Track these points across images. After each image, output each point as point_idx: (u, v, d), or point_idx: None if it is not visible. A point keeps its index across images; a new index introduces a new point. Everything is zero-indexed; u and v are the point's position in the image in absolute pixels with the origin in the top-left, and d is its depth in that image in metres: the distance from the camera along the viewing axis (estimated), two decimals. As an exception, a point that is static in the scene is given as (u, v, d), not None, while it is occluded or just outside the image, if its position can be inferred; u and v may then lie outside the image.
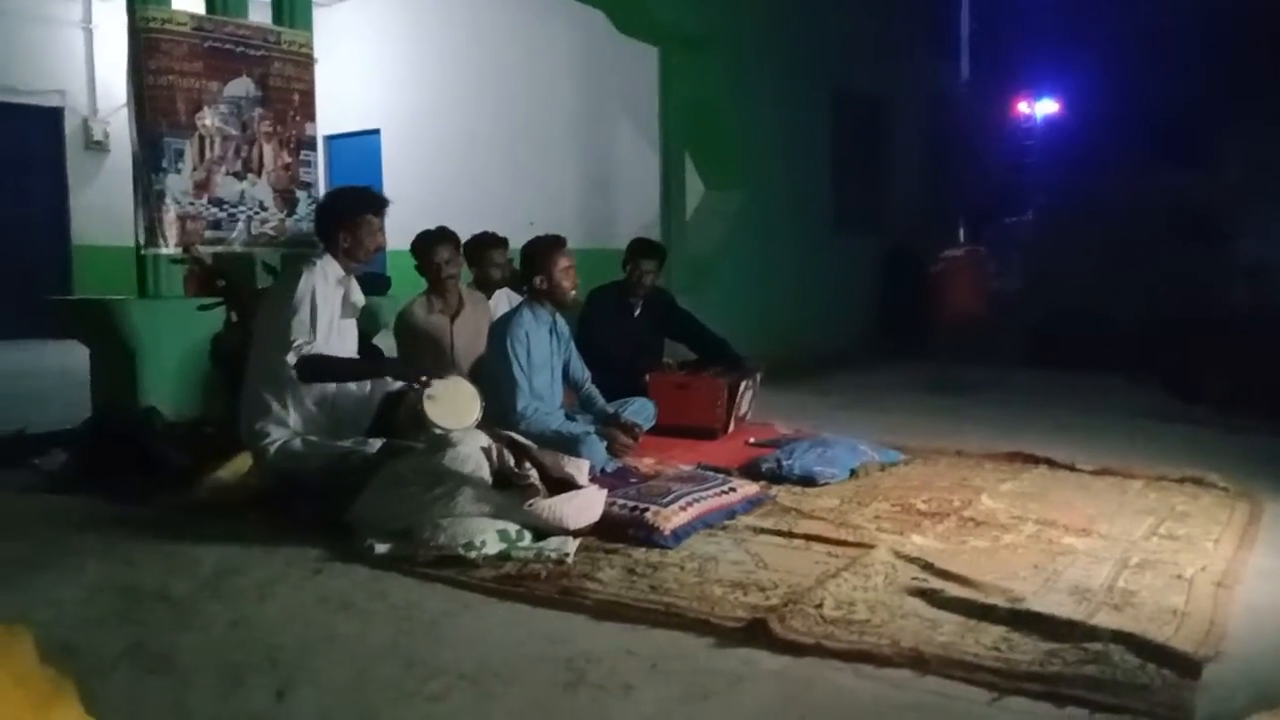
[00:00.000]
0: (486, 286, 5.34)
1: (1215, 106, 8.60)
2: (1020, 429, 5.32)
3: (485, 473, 3.19)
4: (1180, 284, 7.73)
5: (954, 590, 2.66)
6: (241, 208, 5.38)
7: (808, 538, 3.20)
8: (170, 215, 5.10)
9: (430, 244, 4.90)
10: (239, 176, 5.38)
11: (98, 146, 11.42)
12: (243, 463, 3.92)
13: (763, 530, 3.30)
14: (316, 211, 4.26)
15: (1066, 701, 2.03)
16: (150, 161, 5.07)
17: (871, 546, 3.05)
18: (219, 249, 5.26)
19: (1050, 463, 4.40)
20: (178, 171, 5.13)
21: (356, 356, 4.03)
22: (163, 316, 5.04)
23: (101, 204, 10.83)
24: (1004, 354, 8.61)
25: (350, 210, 3.89)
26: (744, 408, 5.38)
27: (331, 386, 3.82)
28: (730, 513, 3.47)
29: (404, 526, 3.11)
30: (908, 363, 8.64)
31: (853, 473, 4.12)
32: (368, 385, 3.92)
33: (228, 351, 4.67)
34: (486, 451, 3.26)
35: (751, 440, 4.92)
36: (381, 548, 3.05)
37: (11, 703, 1.02)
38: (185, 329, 4.96)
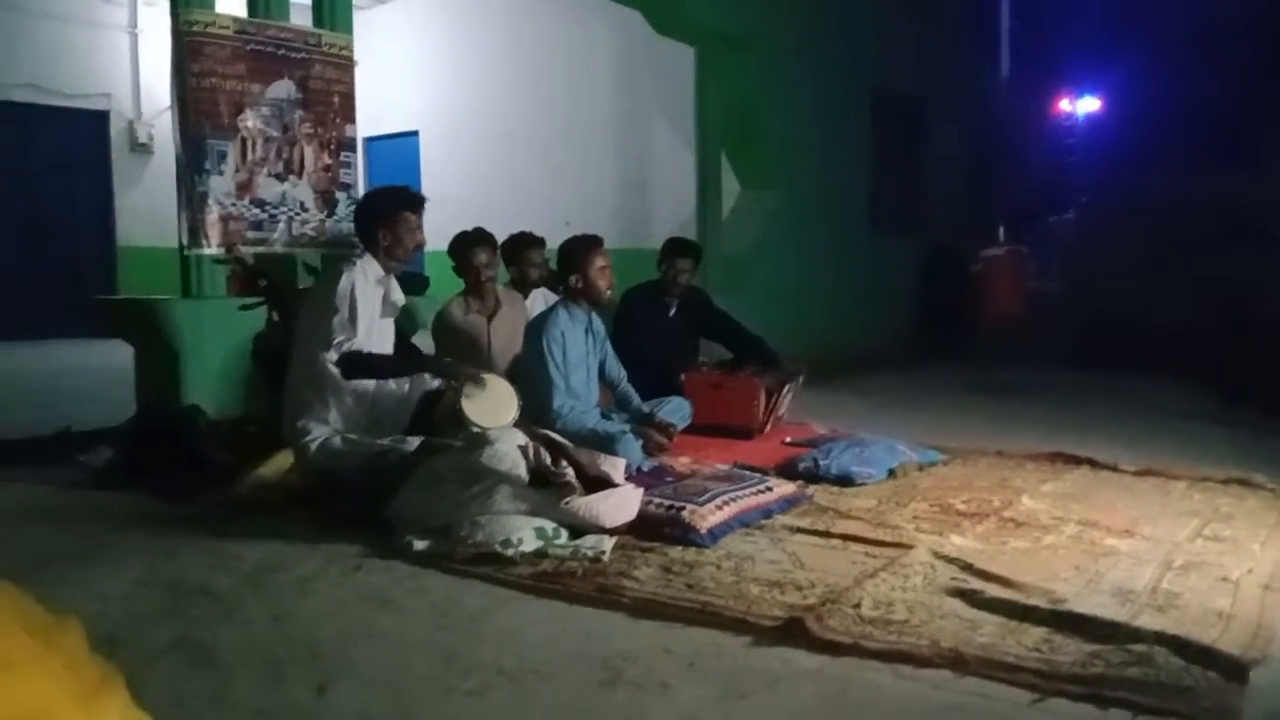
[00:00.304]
0: (524, 286, 5.37)
1: (1263, 102, 8.44)
2: (1062, 430, 5.25)
3: (522, 471, 3.21)
4: (1227, 284, 7.59)
5: (994, 591, 2.63)
6: (283, 209, 5.45)
7: (845, 537, 3.19)
8: (213, 216, 5.18)
9: (469, 247, 4.93)
10: (280, 178, 5.45)
11: (142, 149, 11.62)
12: (284, 460, 3.97)
13: (800, 530, 3.29)
14: (355, 211, 4.31)
15: (1109, 703, 2.01)
16: (193, 163, 5.14)
17: (910, 547, 3.03)
18: (261, 249, 5.33)
19: (1092, 463, 4.35)
20: (220, 173, 5.20)
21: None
22: (206, 316, 5.12)
23: (146, 205, 11.01)
24: (1046, 355, 8.51)
25: (389, 209, 3.93)
26: (782, 408, 5.37)
27: (371, 385, 3.86)
28: (767, 512, 3.46)
29: (442, 524, 3.14)
30: (947, 364, 8.56)
31: (891, 473, 4.10)
32: (406, 384, 3.96)
33: (269, 351, 4.73)
34: (523, 450, 3.28)
35: (788, 440, 4.90)
36: (420, 544, 3.08)
37: (64, 689, 1.05)
38: (228, 328, 5.03)
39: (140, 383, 5.27)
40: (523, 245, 5.37)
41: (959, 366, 8.33)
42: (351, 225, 4.76)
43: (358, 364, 3.70)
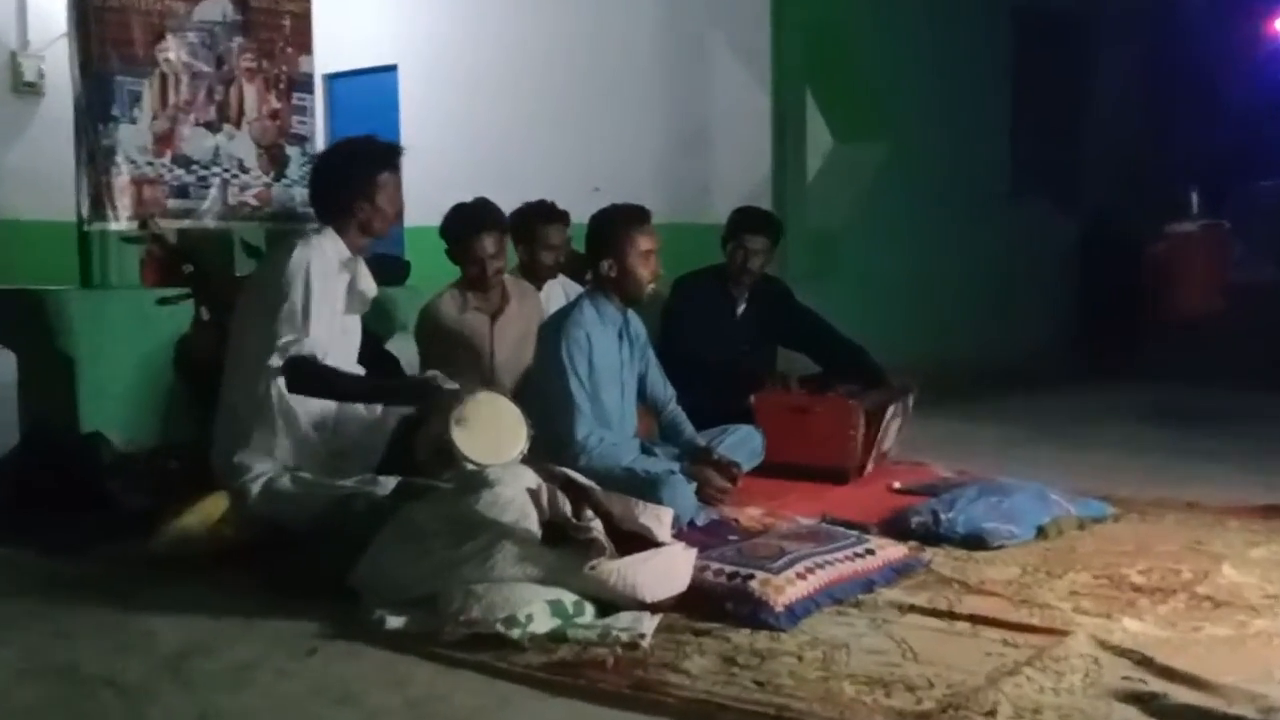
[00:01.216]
0: (537, 274, 5.39)
1: None
2: (1278, 474, 5.19)
3: (532, 523, 3.22)
4: None
5: (1182, 695, 2.61)
6: (215, 169, 5.51)
7: (975, 620, 3.17)
8: (123, 179, 5.23)
9: (473, 231, 4.93)
10: (212, 128, 5.51)
11: (29, 89, 11.79)
12: (215, 506, 3.99)
13: (913, 608, 3.28)
14: (313, 176, 4.35)
15: None
16: (97, 108, 5.20)
17: (1066, 633, 3.01)
18: (186, 223, 5.39)
19: (1321, 521, 4.31)
20: (132, 121, 5.26)
21: (359, 367, 4.09)
22: (111, 312, 5.17)
23: (33, 165, 11.15)
24: (1254, 370, 8.37)
25: (359, 170, 3.96)
26: (888, 441, 5.34)
27: (331, 405, 3.89)
28: (867, 583, 3.45)
29: (425, 594, 3.15)
30: (1116, 381, 8.47)
31: (1040, 531, 4.07)
32: (379, 407, 3.99)
33: (197, 359, 4.79)
34: (534, 495, 3.28)
35: (897, 485, 4.90)
36: (395, 621, 3.09)
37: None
38: (141, 329, 5.09)
39: (24, 401, 5.33)
40: (537, 220, 5.39)
41: (1133, 385, 8.25)
42: (306, 191, 4.80)
43: (309, 375, 3.73)
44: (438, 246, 5.11)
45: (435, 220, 5.12)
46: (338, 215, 3.96)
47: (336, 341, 3.90)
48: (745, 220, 5.66)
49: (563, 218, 5.45)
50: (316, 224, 4.03)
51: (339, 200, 3.96)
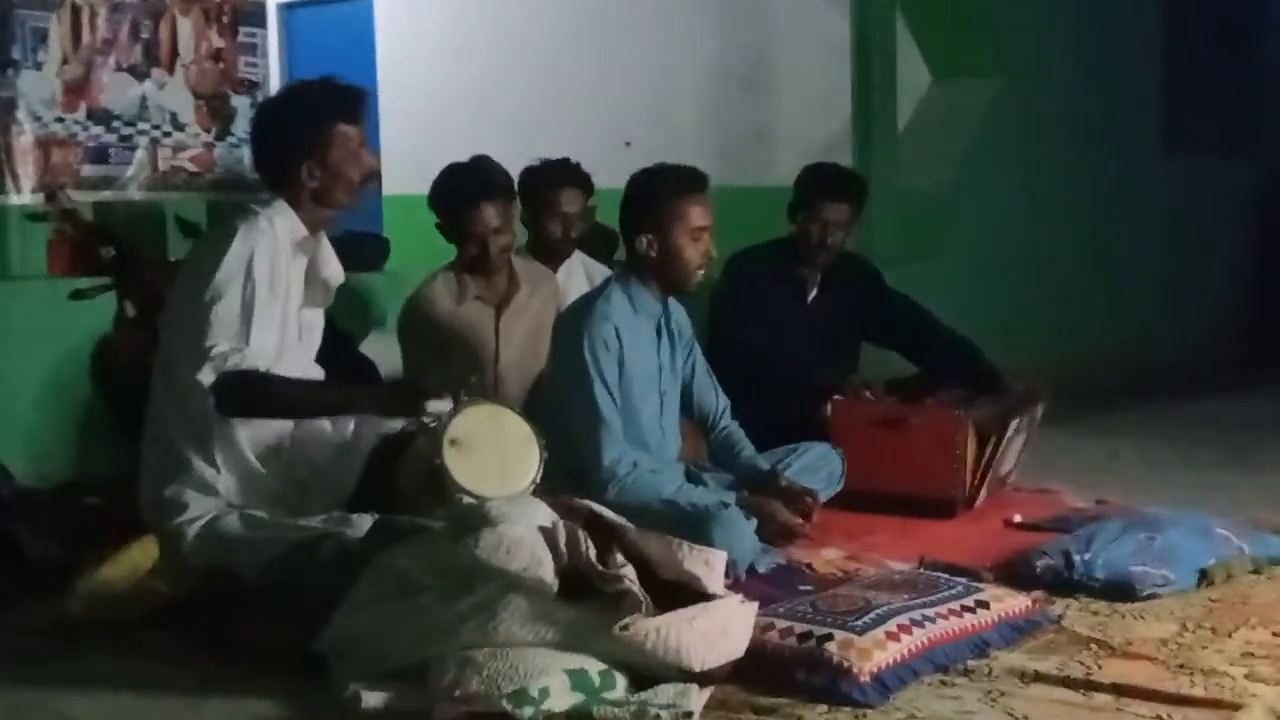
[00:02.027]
0: (551, 253, 5.39)
1: None
2: None
3: (547, 572, 3.22)
4: None
5: (1388, 786, 2.60)
6: (142, 125, 5.54)
7: (1120, 691, 3.15)
8: (25, 139, 5.28)
9: (471, 200, 4.93)
10: (138, 73, 5.55)
11: (-89, 31, 11.95)
12: (145, 554, 4.01)
13: (1038, 676, 3.27)
14: (254, 133, 4.35)
15: None
16: (-7, 50, 5.27)
17: (1237, 706, 3.00)
18: (106, 195, 5.43)
19: None
20: (37, 66, 5.30)
21: (318, 370, 4.11)
22: (12, 308, 5.21)
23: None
24: None
25: (306, 123, 3.97)
26: (1008, 463, 5.31)
27: (285, 427, 3.90)
28: (979, 645, 3.44)
29: (411, 662, 3.16)
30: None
31: (1203, 576, 4.06)
32: (349, 424, 3.99)
33: (120, 367, 4.82)
34: (549, 535, 3.28)
35: (1018, 519, 4.88)
36: (372, 698, 3.09)
37: None
38: (50, 329, 5.14)
39: (-95, 424, 5.40)
40: (552, 184, 5.40)
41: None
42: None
43: (246, 390, 3.74)
44: (427, 220, 5.12)
45: (423, 187, 5.13)
46: (286, 183, 3.95)
47: (291, 348, 3.91)
48: (821, 181, 5.63)
49: (583, 180, 5.46)
50: (267, 195, 4.03)
51: (282, 163, 3.96)
